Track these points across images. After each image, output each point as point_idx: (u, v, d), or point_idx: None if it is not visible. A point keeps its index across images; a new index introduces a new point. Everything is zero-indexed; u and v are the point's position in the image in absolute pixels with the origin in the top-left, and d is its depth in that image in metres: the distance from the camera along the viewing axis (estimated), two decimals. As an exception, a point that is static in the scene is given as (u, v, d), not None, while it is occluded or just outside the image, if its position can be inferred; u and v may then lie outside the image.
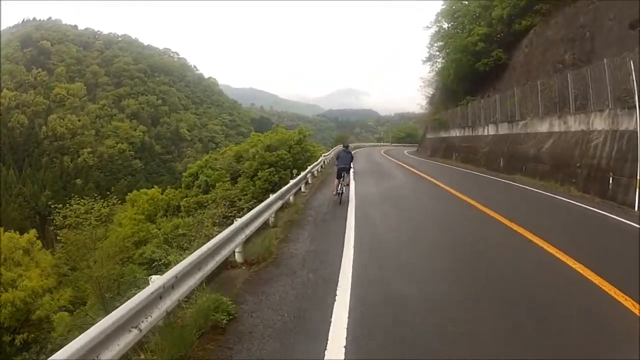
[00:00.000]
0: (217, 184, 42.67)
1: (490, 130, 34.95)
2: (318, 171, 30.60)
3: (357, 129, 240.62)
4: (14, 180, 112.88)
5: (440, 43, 50.18)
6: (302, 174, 23.18)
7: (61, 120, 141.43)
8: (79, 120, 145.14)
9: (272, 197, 13.54)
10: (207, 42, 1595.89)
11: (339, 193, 17.19)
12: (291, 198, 17.44)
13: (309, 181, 24.59)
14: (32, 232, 52.28)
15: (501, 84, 38.09)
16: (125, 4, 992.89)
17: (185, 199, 47.92)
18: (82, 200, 30.87)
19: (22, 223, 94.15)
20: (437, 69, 55.79)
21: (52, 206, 34.05)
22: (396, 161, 44.37)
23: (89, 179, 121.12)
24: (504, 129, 32.22)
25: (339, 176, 17.28)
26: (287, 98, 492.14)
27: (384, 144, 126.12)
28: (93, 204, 30.52)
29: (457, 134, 43.86)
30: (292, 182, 19.04)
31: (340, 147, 36.05)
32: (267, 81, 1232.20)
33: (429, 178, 26.52)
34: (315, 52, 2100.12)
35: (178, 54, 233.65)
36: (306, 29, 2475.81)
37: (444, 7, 49.88)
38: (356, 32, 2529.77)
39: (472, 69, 40.47)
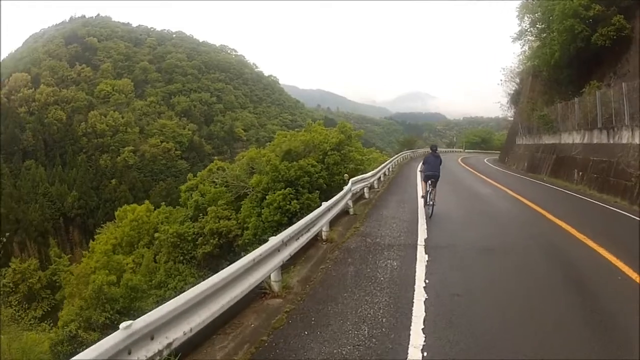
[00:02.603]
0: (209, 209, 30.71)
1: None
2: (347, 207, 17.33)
3: (426, 132, 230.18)
4: (43, 179, 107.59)
5: (537, 13, 37.33)
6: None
7: (103, 117, 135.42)
8: (122, 117, 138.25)
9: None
10: (274, 42, 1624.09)
11: (429, 204, 15.28)
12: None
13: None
14: None
15: (624, 67, 27.17)
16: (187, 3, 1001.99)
17: (162, 229, 35.43)
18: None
19: (43, 225, 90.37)
20: (528, 50, 44.39)
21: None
22: (490, 181, 30.32)
23: (122, 180, 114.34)
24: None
25: (427, 181, 15.48)
26: (355, 100, 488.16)
27: (456, 149, 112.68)
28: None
29: (577, 140, 28.69)
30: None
31: (423, 151, 30.31)
32: (335, 83, 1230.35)
33: (579, 236, 12.73)
34: (384, 55, 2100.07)
35: (236, 51, 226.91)
36: (375, 31, 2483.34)
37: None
38: (424, 33, 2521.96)
39: (585, 45, 28.76)
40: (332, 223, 13.52)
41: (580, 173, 26.31)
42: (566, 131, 30.96)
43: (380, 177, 26.62)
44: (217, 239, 29.99)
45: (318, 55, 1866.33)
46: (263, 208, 27.40)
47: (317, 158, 31.95)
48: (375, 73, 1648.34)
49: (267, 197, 27.69)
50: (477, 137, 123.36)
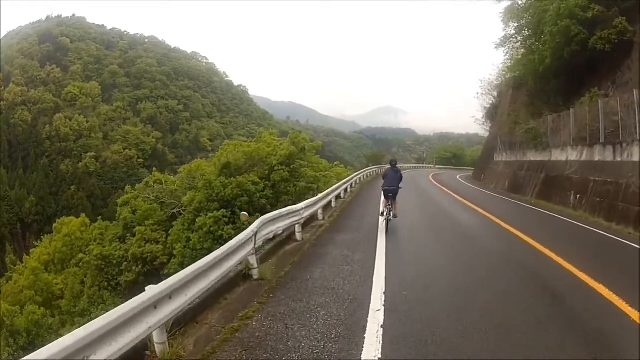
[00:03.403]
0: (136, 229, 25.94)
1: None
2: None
3: (395, 148, 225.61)
4: (3, 182, 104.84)
5: (523, 19, 35.10)
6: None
7: (68, 120, 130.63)
8: (87, 122, 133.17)
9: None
10: (249, 54, 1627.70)
11: (387, 219, 14.86)
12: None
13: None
14: None
15: (624, 75, 24.08)
16: (162, 9, 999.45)
17: (89, 249, 30.64)
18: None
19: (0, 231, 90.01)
20: (511, 60, 43.29)
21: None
22: (469, 204, 25.01)
23: (81, 187, 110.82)
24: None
25: (386, 196, 15.31)
26: (326, 114, 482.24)
27: (426, 165, 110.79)
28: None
29: (572, 157, 24.70)
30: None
31: (381, 167, 28.66)
32: (307, 96, 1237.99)
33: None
34: (357, 69, 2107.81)
35: (207, 59, 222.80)
36: (349, 46, 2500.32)
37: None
38: (398, 47, 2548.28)
39: (581, 49, 25.56)
40: (199, 308, 7.50)
41: (578, 196, 22.25)
42: (558, 147, 27.09)
43: (331, 201, 21.59)
44: (140, 266, 25.09)
45: (291, 68, 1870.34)
46: (194, 231, 22.68)
47: (261, 174, 27.83)
48: (348, 87, 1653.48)
49: (198, 219, 22.99)
50: (448, 152, 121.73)
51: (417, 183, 41.84)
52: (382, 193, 15.68)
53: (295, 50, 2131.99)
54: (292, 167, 30.08)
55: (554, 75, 29.79)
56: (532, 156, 32.41)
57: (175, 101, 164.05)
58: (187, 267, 6.88)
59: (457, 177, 60.07)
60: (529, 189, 30.55)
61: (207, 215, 22.95)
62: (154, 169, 53.78)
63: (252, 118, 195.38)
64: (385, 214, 14.87)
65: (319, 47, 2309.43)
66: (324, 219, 18.10)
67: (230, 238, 19.27)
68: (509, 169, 38.40)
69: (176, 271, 16.93)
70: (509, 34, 37.42)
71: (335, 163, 60.20)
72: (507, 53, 42.39)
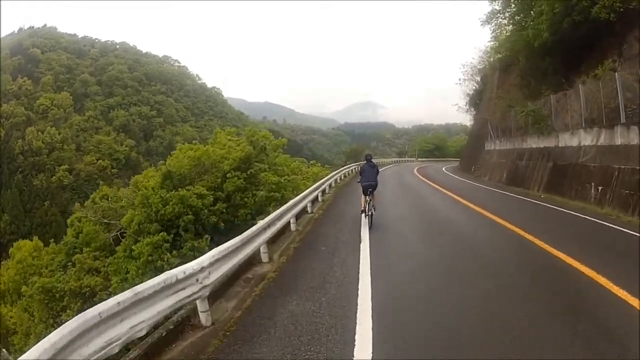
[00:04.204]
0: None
1: None
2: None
3: (374, 142, 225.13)
4: None
5: None
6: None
7: (40, 133, 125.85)
8: (59, 134, 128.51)
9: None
10: (221, 56, 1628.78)
11: (368, 215, 14.89)
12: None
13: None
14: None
15: (632, 47, 21.40)
16: (132, 12, 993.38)
17: (31, 281, 26.68)
18: None
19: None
20: (499, 38, 40.34)
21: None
22: (466, 202, 20.69)
23: (54, 202, 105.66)
24: None
25: (365, 192, 15.10)
26: (304, 112, 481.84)
27: (409, 158, 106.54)
28: None
29: (586, 141, 20.97)
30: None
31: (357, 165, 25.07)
32: (284, 96, 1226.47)
33: None
34: (333, 65, 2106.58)
35: (179, 62, 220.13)
36: (325, 43, 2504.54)
37: None
38: (373, 43, 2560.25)
39: (583, 19, 22.48)
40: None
41: (600, 188, 18.51)
42: (566, 130, 23.33)
43: (291, 222, 15.37)
44: (79, 303, 20.90)
45: (267, 68, 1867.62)
46: (135, 259, 18.64)
47: (212, 183, 23.61)
48: (324, 84, 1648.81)
49: (136, 244, 19.00)
50: (430, 144, 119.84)
51: (405, 181, 37.67)
52: (362, 189, 15.39)
53: (270, 50, 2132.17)
54: (249, 172, 25.36)
55: (549, 51, 26.43)
56: (534, 142, 28.60)
57: (147, 107, 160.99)
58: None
59: (443, 169, 56.74)
60: (534, 181, 26.73)
61: (146, 239, 18.86)
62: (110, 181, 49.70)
63: (227, 120, 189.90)
64: (367, 209, 14.91)
65: (293, 46, 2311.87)
66: (270, 260, 11.42)
67: (175, 267, 15.26)
68: (505, 159, 34.53)
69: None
70: (495, 10, 34.36)
71: (312, 162, 56.29)
72: (493, 31, 39.64)
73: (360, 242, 12.30)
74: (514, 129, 32.01)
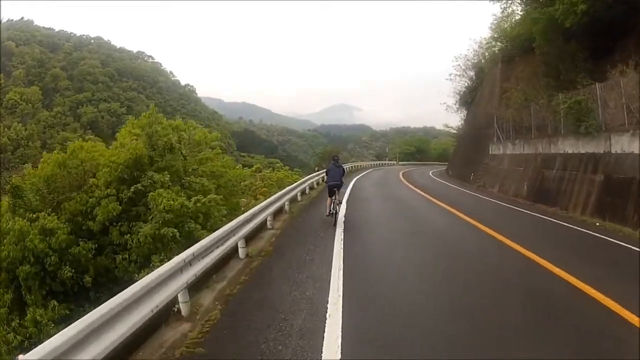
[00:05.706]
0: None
1: None
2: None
3: (351, 144, 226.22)
4: None
5: None
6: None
7: (7, 129, 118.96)
8: (26, 129, 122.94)
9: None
10: (199, 56, 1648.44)
11: (331, 213, 15.82)
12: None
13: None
14: None
15: None
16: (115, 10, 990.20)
17: None
18: None
19: None
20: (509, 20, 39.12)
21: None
22: (505, 240, 12.93)
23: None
24: None
25: (331, 194, 15.99)
26: (280, 113, 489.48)
27: (388, 162, 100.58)
28: None
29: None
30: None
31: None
32: (260, 96, 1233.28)
33: None
34: (311, 68, 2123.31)
35: (153, 58, 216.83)
36: (303, 45, 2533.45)
37: None
38: (352, 46, 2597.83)
39: None
40: None
41: None
42: (624, 131, 16.96)
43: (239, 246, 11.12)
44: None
45: (244, 69, 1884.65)
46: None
47: (84, 206, 16.91)
48: (302, 86, 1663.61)
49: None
50: (411, 146, 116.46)
51: (394, 194, 29.16)
52: (327, 189, 16.08)
53: (248, 51, 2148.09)
54: (138, 187, 17.47)
55: (575, 34, 22.24)
56: (570, 146, 21.97)
57: (118, 103, 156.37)
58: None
59: (430, 174, 53.06)
60: (574, 200, 20.07)
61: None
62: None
63: (200, 119, 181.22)
64: (331, 208, 15.73)
65: (270, 48, 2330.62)
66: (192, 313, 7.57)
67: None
68: (523, 166, 27.78)
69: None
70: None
71: (278, 165, 51.20)
72: (504, 10, 37.91)
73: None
74: (535, 128, 26.65)
